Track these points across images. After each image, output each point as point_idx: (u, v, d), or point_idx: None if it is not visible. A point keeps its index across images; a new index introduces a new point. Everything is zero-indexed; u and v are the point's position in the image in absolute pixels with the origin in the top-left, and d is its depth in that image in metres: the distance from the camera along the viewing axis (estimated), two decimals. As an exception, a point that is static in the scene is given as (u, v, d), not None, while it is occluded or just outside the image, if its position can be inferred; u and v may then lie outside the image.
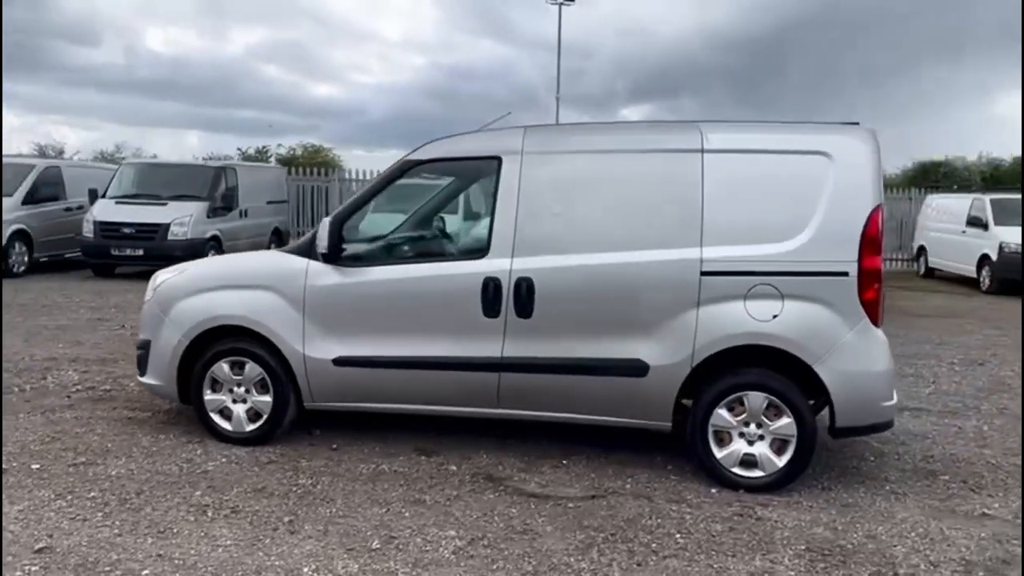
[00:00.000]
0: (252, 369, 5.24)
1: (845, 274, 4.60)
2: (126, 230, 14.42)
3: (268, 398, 5.25)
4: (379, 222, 6.03)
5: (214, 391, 5.33)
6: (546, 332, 4.88)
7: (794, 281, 4.65)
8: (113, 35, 70.47)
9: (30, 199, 14.84)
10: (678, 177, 4.80)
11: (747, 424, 4.75)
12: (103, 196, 15.05)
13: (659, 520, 4.30)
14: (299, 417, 5.38)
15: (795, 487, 4.76)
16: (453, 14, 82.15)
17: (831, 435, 4.83)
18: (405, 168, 5.22)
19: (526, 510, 4.39)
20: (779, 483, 4.75)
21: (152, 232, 14.40)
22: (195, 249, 14.04)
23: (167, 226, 14.41)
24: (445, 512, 4.33)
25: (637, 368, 4.78)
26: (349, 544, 3.91)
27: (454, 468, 5.00)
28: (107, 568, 3.59)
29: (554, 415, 5.07)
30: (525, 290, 4.85)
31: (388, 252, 5.51)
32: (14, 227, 14.28)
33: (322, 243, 5.01)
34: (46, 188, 15.32)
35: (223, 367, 5.28)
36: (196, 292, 5.36)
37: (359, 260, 5.19)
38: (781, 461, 4.73)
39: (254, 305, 5.20)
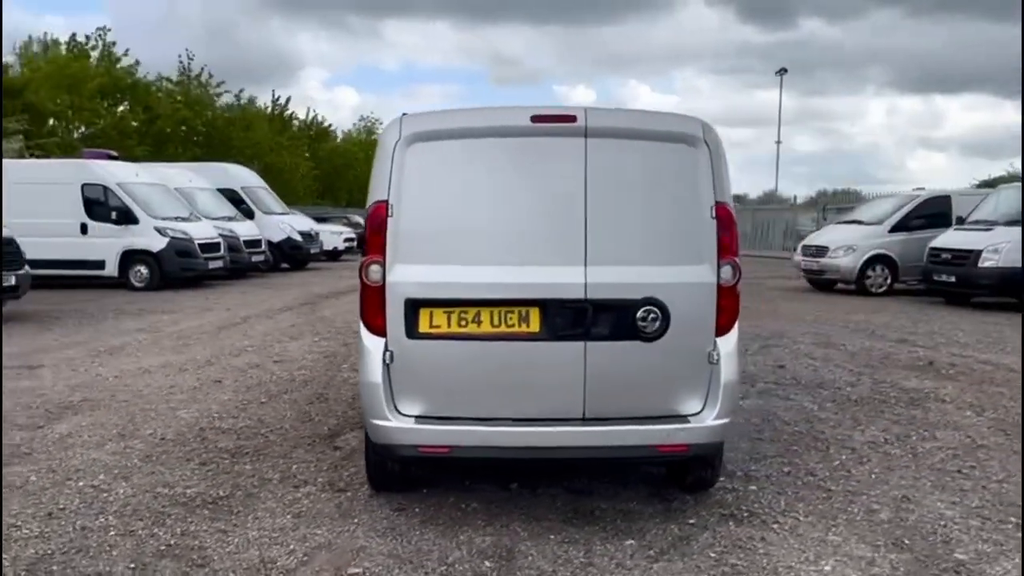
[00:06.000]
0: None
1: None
2: (944, 255, 14.44)
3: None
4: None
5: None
6: None
7: None
8: None
9: (902, 227, 16.23)
10: None
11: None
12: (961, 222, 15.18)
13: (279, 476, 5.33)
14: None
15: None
16: None
17: None
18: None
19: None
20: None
21: (964, 258, 14.01)
22: (1007, 281, 13.16)
23: (979, 252, 13.76)
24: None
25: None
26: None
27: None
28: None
29: None
30: None
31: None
32: (876, 252, 16.08)
33: None
34: (920, 218, 16.25)
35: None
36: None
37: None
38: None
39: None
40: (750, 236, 29.74)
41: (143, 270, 16.63)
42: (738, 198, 54.37)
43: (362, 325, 4.24)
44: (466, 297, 4.12)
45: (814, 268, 16.83)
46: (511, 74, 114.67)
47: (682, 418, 4.17)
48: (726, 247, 4.19)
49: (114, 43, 35.98)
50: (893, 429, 6.16)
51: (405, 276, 4.13)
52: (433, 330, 4.13)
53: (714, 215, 4.17)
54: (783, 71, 43.22)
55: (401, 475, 4.65)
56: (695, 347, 4.18)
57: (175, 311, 12.99)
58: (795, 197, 39.00)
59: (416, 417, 4.15)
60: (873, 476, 5.09)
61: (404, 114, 4.32)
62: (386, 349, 4.14)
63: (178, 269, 16.78)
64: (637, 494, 4.69)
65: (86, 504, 4.49)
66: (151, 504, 4.50)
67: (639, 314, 4.08)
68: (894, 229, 16.22)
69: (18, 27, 70.35)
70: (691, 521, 4.31)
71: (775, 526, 4.27)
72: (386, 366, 4.13)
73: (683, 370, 4.19)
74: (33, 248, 13.92)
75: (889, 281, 16.09)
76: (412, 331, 4.14)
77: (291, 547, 3.97)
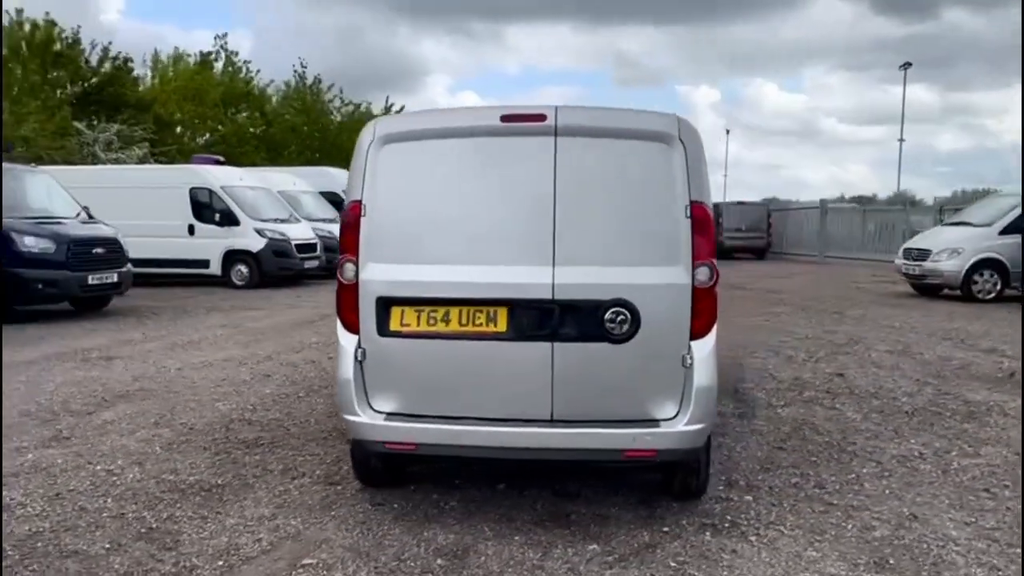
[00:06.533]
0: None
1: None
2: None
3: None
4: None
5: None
6: None
7: None
8: None
9: (1014, 228, 15.14)
10: None
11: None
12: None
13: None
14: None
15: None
16: None
17: None
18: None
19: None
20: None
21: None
22: None
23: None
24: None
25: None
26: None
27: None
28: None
29: None
30: None
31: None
32: (985, 255, 15.10)
33: None
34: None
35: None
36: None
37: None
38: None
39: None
40: (862, 239, 28.37)
41: (243, 269, 17.47)
42: (863, 199, 51.80)
43: (338, 322, 4.33)
44: (435, 296, 4.14)
45: (915, 273, 15.90)
46: (633, 75, 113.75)
47: (652, 423, 4.06)
48: (702, 248, 4.05)
49: (236, 52, 38.05)
50: (934, 443, 5.78)
51: (377, 275, 4.19)
52: (403, 328, 4.18)
53: (689, 215, 4.04)
54: (907, 65, 41.08)
55: (386, 471, 4.72)
56: (667, 350, 4.06)
57: (264, 308, 13.58)
58: (911, 197, 36.94)
59: (387, 414, 4.21)
60: (888, 491, 4.79)
61: (380, 116, 4.38)
62: (359, 346, 4.22)
63: (276, 268, 17.53)
64: (625, 500, 4.58)
65: (94, 487, 4.77)
66: (151, 489, 4.74)
67: (607, 316, 4.00)
68: (1005, 231, 15.12)
69: (167, 41, 74.97)
70: (665, 529, 4.18)
71: (753, 538, 4.09)
72: (358, 363, 4.21)
73: (654, 374, 4.08)
74: (146, 248, 15.03)
75: (999, 287, 15.03)
76: (383, 329, 4.20)
77: (260, 536, 4.10)
